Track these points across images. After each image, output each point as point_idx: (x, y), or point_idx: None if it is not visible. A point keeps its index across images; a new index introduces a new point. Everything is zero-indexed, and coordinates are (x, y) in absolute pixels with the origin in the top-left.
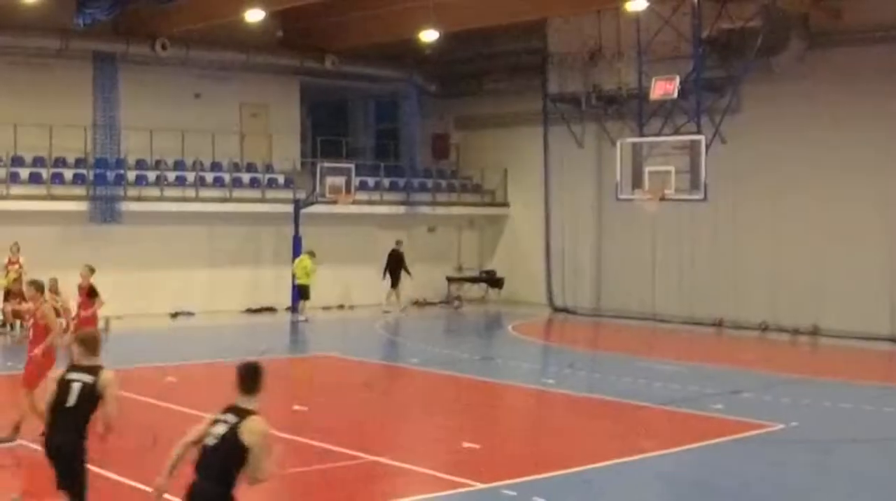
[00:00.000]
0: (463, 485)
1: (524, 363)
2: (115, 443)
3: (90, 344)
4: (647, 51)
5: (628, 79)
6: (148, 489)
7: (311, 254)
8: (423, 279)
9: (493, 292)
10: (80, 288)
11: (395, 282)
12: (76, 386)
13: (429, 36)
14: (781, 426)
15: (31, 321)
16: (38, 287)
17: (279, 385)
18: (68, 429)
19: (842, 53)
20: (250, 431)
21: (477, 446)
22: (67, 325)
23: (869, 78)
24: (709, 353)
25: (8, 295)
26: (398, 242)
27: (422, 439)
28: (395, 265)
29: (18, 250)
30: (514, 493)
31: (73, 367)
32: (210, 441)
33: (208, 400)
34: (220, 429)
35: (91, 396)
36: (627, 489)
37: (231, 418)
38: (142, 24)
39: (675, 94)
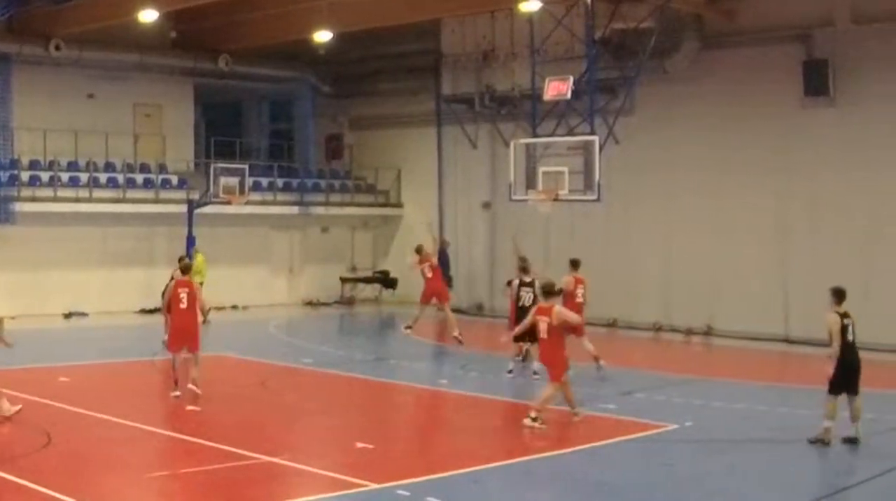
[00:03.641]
0: (357, 486)
1: (418, 363)
2: (9, 443)
3: None
4: (540, 51)
5: (522, 79)
6: (45, 490)
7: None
8: (316, 279)
9: (386, 292)
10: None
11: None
12: None
13: (322, 36)
14: (675, 426)
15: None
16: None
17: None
18: None
19: (735, 54)
20: None
21: (371, 446)
22: None
23: (762, 79)
24: (601, 354)
25: None
26: (446, 242)
27: (316, 439)
28: (446, 264)
29: None
30: (407, 493)
31: None
32: None
33: (102, 400)
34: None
35: None
36: (520, 489)
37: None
38: (35, 24)
39: (569, 95)
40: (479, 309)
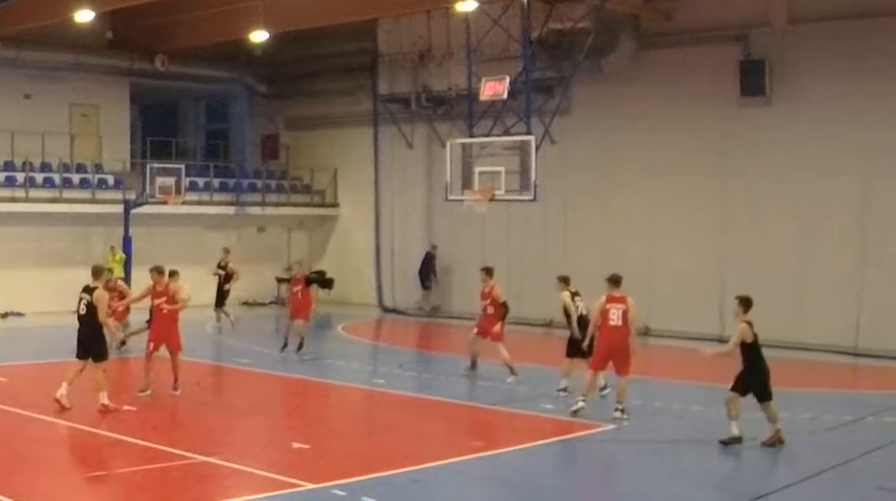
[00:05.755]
0: (293, 486)
1: (354, 363)
2: None
3: None
4: (476, 51)
5: (458, 79)
6: None
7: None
8: (252, 280)
9: (322, 293)
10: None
11: (428, 285)
12: None
13: (259, 36)
14: (612, 426)
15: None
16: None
17: (110, 384)
18: None
19: (672, 54)
20: None
21: (307, 446)
22: None
23: (698, 78)
24: (539, 354)
25: None
26: (433, 246)
27: (252, 439)
28: (431, 267)
29: None
30: (343, 493)
31: None
32: None
33: (38, 400)
34: None
35: None
36: (458, 488)
37: None
38: None
39: (505, 95)
40: (435, 310)
